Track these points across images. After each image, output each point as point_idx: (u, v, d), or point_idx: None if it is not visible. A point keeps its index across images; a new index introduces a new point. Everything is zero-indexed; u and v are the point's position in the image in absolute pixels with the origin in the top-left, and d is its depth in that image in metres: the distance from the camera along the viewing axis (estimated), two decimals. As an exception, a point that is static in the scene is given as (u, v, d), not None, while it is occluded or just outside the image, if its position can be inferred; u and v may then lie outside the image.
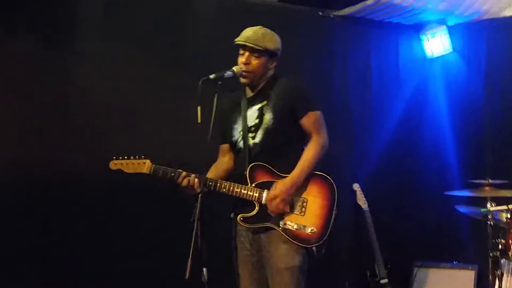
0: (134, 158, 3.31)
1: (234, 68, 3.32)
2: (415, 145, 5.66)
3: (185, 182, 3.25)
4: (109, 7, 4.39)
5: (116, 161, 3.35)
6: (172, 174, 3.27)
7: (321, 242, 3.26)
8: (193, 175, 3.26)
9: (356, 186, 5.25)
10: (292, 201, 3.30)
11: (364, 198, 5.20)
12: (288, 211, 3.29)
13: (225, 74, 3.24)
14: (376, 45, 5.57)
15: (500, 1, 5.23)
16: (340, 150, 5.02)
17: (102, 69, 4.34)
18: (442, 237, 5.46)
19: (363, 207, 5.18)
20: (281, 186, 3.26)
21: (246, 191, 3.30)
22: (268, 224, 3.31)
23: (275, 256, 3.29)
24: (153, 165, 3.30)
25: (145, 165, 3.29)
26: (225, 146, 3.56)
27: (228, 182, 3.31)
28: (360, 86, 5.47)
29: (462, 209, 4.67)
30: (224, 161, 3.55)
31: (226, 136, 3.51)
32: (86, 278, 4.15)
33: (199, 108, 2.95)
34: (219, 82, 3.15)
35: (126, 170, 3.32)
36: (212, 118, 3.04)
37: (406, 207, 5.51)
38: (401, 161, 5.53)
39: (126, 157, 3.33)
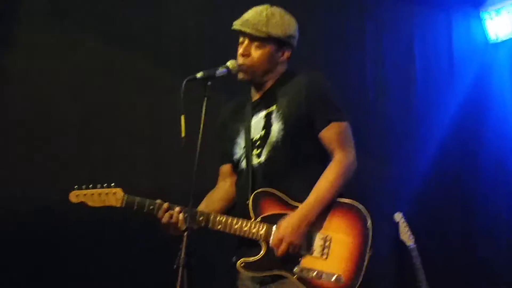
0: (102, 187, 3.00)
1: (229, 64, 2.94)
2: (476, 157, 5.26)
3: (166, 217, 2.91)
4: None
5: (77, 192, 3.01)
6: (151, 207, 2.94)
7: None
8: (177, 208, 2.93)
9: (398, 217, 4.72)
10: (310, 239, 2.92)
11: (409, 232, 4.65)
12: (304, 252, 2.90)
13: (217, 72, 2.85)
14: (422, 26, 5.17)
15: None
16: (377, 170, 4.71)
17: (54, 68, 3.92)
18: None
19: (408, 243, 4.64)
20: (285, 225, 2.87)
21: (248, 228, 2.91)
22: (279, 272, 2.92)
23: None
24: (126, 195, 2.98)
25: (115, 196, 2.97)
26: (225, 168, 3.19)
27: (225, 215, 2.96)
28: (401, 81, 5.08)
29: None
30: (223, 188, 3.19)
31: (226, 154, 3.16)
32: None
33: (183, 117, 2.62)
34: (209, 83, 2.80)
35: (91, 203, 3.01)
36: (200, 131, 2.68)
37: (467, 240, 5.09)
38: (458, 179, 5.14)
39: (90, 186, 3.01)
